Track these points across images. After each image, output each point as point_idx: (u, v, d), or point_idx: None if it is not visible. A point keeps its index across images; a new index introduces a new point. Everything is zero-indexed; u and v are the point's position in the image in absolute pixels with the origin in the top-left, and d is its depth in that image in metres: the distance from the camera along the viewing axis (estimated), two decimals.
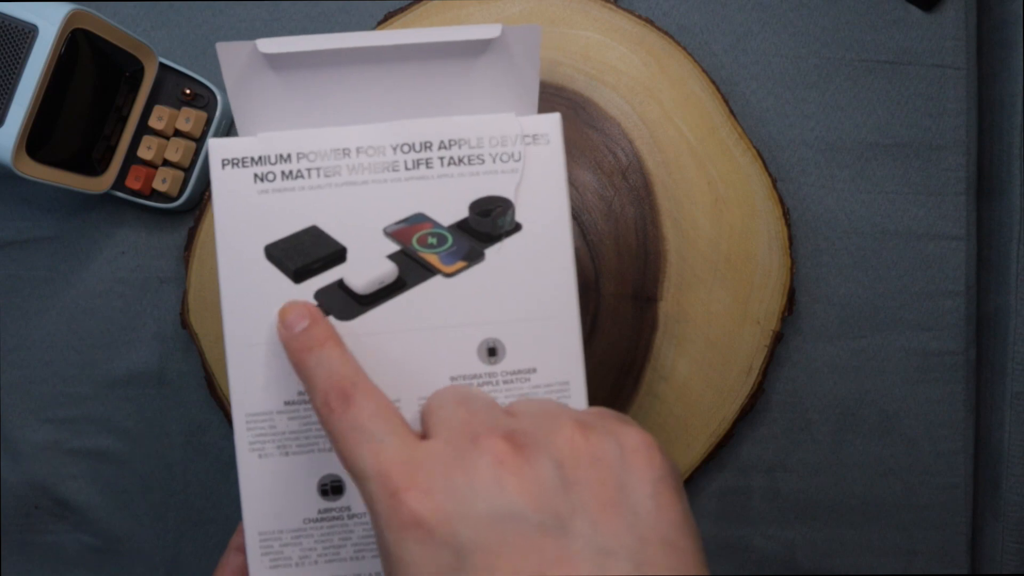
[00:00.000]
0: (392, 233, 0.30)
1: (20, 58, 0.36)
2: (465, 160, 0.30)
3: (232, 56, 0.29)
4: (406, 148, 0.30)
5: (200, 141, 0.43)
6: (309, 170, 0.29)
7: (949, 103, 0.46)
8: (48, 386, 0.45)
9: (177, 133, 0.43)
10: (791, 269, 0.43)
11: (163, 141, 0.42)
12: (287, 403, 0.29)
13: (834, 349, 0.46)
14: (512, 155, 0.30)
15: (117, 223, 0.45)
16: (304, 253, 0.29)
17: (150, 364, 0.45)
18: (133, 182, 0.42)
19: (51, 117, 0.38)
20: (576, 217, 0.43)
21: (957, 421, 0.46)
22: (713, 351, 0.43)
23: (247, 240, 0.29)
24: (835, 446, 0.46)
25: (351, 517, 0.29)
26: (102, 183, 0.42)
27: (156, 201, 0.43)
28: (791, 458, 0.46)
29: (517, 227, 0.30)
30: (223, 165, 0.29)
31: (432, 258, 0.30)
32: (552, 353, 0.30)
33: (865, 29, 0.46)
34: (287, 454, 0.29)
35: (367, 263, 0.29)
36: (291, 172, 0.29)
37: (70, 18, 0.36)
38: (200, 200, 0.44)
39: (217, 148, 0.30)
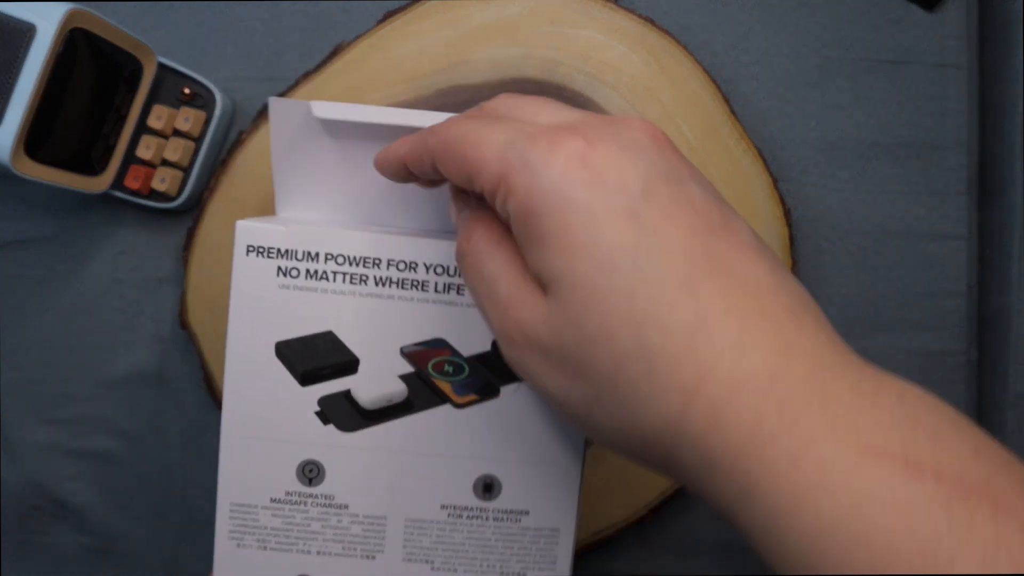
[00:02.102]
0: (409, 354, 0.29)
1: (18, 57, 0.36)
2: None
3: (284, 114, 0.28)
4: (440, 270, 0.28)
5: (199, 141, 0.43)
6: (335, 273, 0.28)
7: (950, 103, 0.46)
8: (47, 386, 0.45)
9: (176, 133, 0.43)
10: (792, 269, 0.43)
11: (162, 141, 0.42)
12: (273, 500, 0.29)
13: None
14: None
15: (116, 223, 0.45)
16: (315, 357, 0.28)
17: (149, 364, 0.45)
18: (132, 182, 0.42)
19: (49, 117, 0.37)
20: None
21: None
22: None
23: (259, 333, 0.28)
24: None
25: None
26: (101, 183, 0.41)
27: (155, 201, 0.43)
28: None
29: None
30: (247, 251, 0.28)
31: (445, 386, 0.29)
32: (548, 498, 0.29)
33: (866, 28, 0.45)
34: (265, 548, 0.29)
35: (378, 379, 0.29)
36: (316, 272, 0.28)
37: (68, 17, 0.36)
38: (199, 200, 0.44)
39: (244, 232, 0.28)
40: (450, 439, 0.29)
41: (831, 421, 0.18)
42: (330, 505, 0.29)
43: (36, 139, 0.37)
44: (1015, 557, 0.16)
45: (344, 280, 0.28)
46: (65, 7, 0.36)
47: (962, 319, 0.46)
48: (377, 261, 0.28)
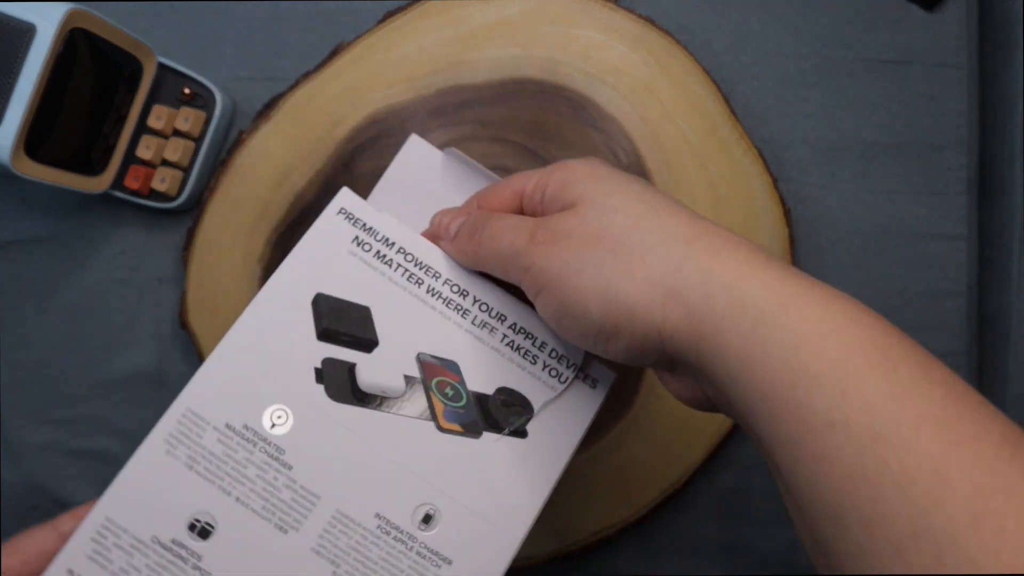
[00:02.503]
0: (423, 362, 0.30)
1: (18, 57, 0.36)
2: (523, 352, 0.31)
3: (417, 150, 0.32)
4: (484, 307, 0.31)
5: (199, 141, 0.43)
6: (399, 266, 0.30)
7: (951, 102, 0.46)
8: (47, 386, 0.45)
9: (176, 133, 0.43)
10: None
11: (162, 141, 0.42)
12: (227, 426, 0.28)
13: None
14: (561, 376, 0.31)
15: (116, 223, 0.45)
16: (343, 321, 0.29)
17: (149, 364, 0.45)
18: (132, 182, 0.42)
19: (49, 117, 0.37)
20: None
21: None
22: None
23: (308, 279, 0.30)
24: None
25: (194, 568, 0.27)
26: (101, 183, 0.41)
27: (155, 201, 0.43)
28: None
29: (523, 433, 0.30)
30: (339, 211, 0.31)
31: (439, 406, 0.29)
32: (477, 557, 0.29)
33: (866, 28, 0.45)
34: (191, 468, 0.28)
35: (384, 368, 0.29)
36: (384, 256, 0.30)
37: (68, 17, 0.36)
38: (199, 200, 0.44)
39: (344, 198, 0.31)
40: (418, 455, 0.29)
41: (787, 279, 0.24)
42: (277, 458, 0.28)
43: (36, 139, 0.37)
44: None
45: (402, 274, 0.30)
46: (65, 7, 0.36)
47: (962, 319, 0.46)
48: (437, 274, 0.31)
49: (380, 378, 0.29)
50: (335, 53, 0.43)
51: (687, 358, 0.25)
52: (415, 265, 0.31)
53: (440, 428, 0.29)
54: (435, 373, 0.30)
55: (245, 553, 0.27)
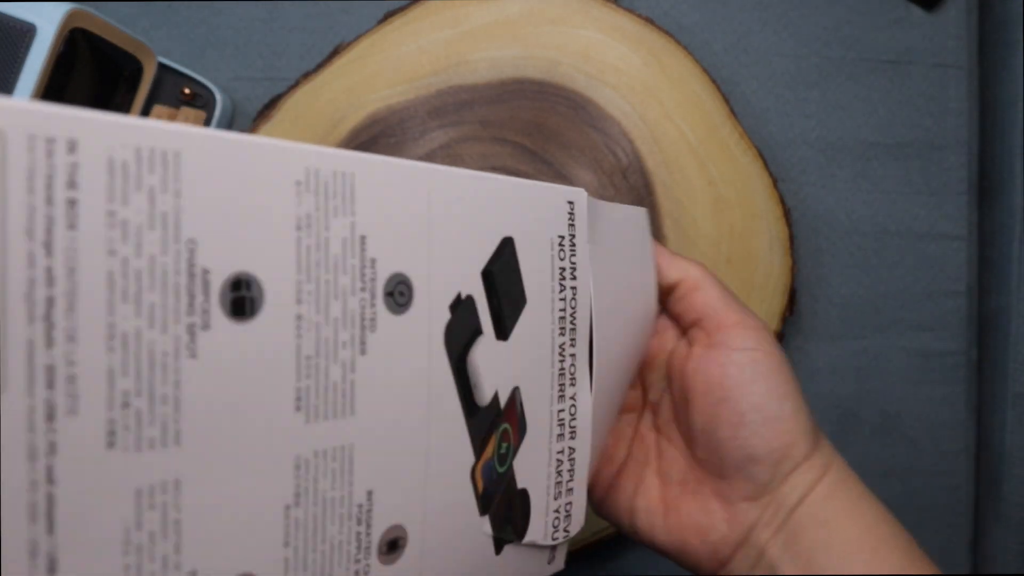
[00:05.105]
0: (513, 399, 0.25)
1: (19, 57, 0.36)
2: (560, 475, 0.28)
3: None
4: (572, 411, 0.28)
5: None
6: (569, 299, 0.27)
7: (950, 103, 0.46)
8: None
9: None
10: (792, 269, 0.43)
11: None
12: (362, 236, 0.21)
13: (835, 349, 0.46)
14: (557, 531, 0.28)
15: None
16: (505, 284, 0.25)
17: None
18: None
19: None
20: None
21: (958, 421, 0.46)
22: None
23: (513, 215, 0.25)
24: (836, 446, 0.45)
25: (200, 325, 0.18)
26: None
27: None
28: None
29: (500, 547, 0.26)
30: (568, 201, 0.27)
31: (489, 452, 0.25)
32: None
33: (866, 28, 0.45)
34: (298, 229, 0.19)
35: (490, 365, 0.24)
36: (564, 277, 0.26)
37: (69, 17, 0.36)
38: None
39: (579, 196, 0.27)
40: (441, 468, 0.23)
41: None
42: (362, 330, 0.21)
43: None
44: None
45: (564, 309, 0.27)
46: (65, 7, 0.36)
47: (961, 319, 0.46)
48: (576, 339, 0.28)
49: (484, 370, 0.24)
50: (335, 53, 0.43)
51: (788, 495, 0.27)
52: (571, 316, 0.27)
53: (472, 471, 0.24)
54: (511, 419, 0.25)
55: (240, 381, 0.18)
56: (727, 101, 0.43)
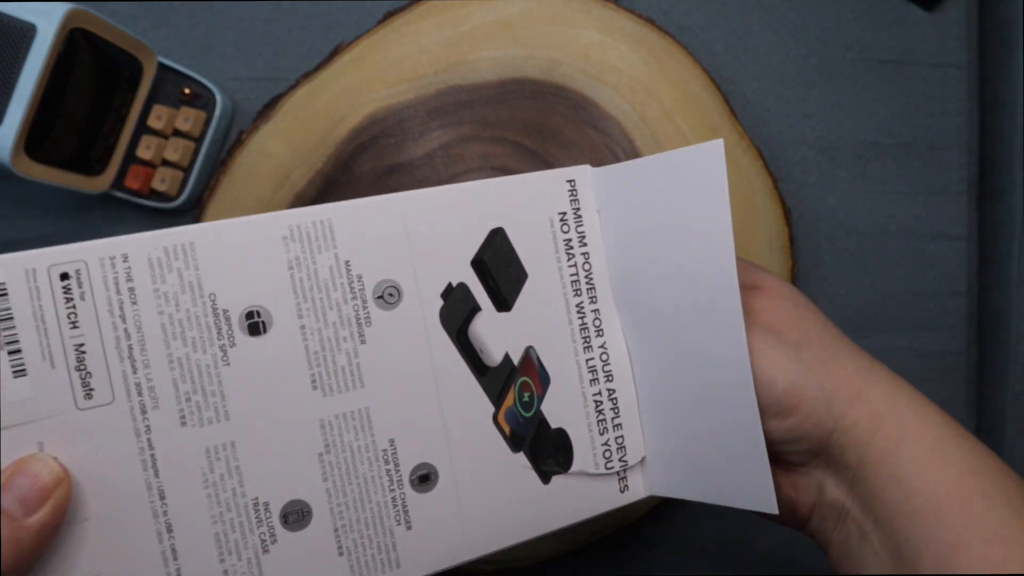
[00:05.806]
0: (527, 356, 0.29)
1: (19, 57, 0.36)
2: (600, 416, 0.31)
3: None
4: (604, 357, 0.30)
5: (199, 141, 0.43)
6: (572, 266, 0.30)
7: (950, 102, 0.46)
8: None
9: (176, 133, 0.43)
10: (792, 269, 0.43)
11: (162, 141, 0.42)
12: (347, 264, 0.27)
13: None
14: (609, 461, 0.30)
15: (116, 223, 0.45)
16: (500, 267, 0.29)
17: None
18: (132, 182, 0.42)
19: (50, 116, 0.37)
20: None
21: (958, 421, 0.46)
22: None
23: (500, 208, 0.29)
24: None
25: (221, 349, 0.26)
26: (101, 183, 0.41)
27: (155, 201, 0.43)
28: None
29: (547, 478, 0.30)
30: (568, 180, 0.30)
31: (508, 401, 0.29)
32: (436, 543, 0.28)
33: (866, 28, 0.45)
34: (290, 268, 0.26)
35: (496, 334, 0.29)
36: (570, 248, 0.30)
37: (69, 17, 0.36)
38: (199, 200, 0.44)
39: (582, 174, 0.30)
40: (462, 422, 0.28)
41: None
42: (361, 323, 0.27)
43: (36, 139, 0.37)
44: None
45: (571, 275, 0.30)
46: (65, 7, 0.36)
47: (962, 319, 0.46)
48: (595, 299, 0.30)
49: (488, 338, 0.28)
50: (335, 53, 0.43)
51: (846, 456, 0.27)
52: (586, 278, 0.30)
53: (494, 418, 0.29)
54: (528, 373, 0.29)
55: (265, 375, 0.26)
56: (727, 101, 0.43)
